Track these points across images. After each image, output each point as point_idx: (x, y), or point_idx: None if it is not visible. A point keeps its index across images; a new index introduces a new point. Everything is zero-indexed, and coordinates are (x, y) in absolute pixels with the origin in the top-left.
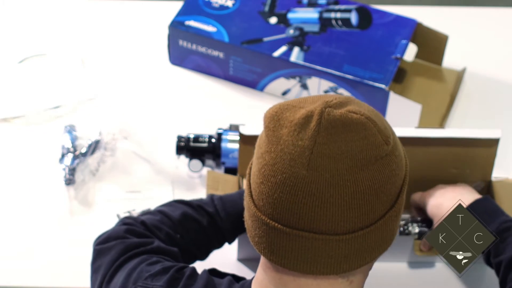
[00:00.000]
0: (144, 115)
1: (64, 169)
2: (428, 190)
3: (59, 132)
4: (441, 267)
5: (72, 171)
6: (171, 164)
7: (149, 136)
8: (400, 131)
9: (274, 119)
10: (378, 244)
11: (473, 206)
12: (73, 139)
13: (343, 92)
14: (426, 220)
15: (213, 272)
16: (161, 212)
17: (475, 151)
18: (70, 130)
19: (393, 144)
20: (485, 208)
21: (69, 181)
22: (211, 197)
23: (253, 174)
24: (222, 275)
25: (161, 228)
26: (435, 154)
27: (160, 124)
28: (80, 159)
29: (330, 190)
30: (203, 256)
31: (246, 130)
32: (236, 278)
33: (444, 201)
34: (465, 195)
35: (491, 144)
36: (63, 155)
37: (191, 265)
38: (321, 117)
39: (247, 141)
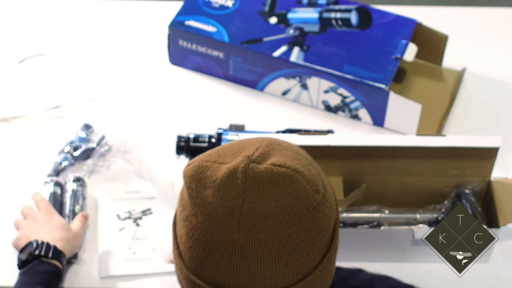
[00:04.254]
0: (144, 115)
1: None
2: None
3: (73, 129)
4: (440, 267)
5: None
6: (171, 164)
7: (149, 136)
8: (400, 140)
9: (195, 179)
10: None
11: None
12: (82, 138)
13: (343, 92)
14: None
15: None
16: None
17: (475, 160)
18: (83, 129)
19: (322, 190)
20: None
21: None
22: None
23: (180, 235)
24: None
25: None
26: (435, 164)
27: (160, 124)
28: (79, 158)
29: (265, 250)
30: None
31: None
32: None
33: None
34: None
35: (492, 153)
36: (67, 151)
37: None
38: (245, 175)
39: None
